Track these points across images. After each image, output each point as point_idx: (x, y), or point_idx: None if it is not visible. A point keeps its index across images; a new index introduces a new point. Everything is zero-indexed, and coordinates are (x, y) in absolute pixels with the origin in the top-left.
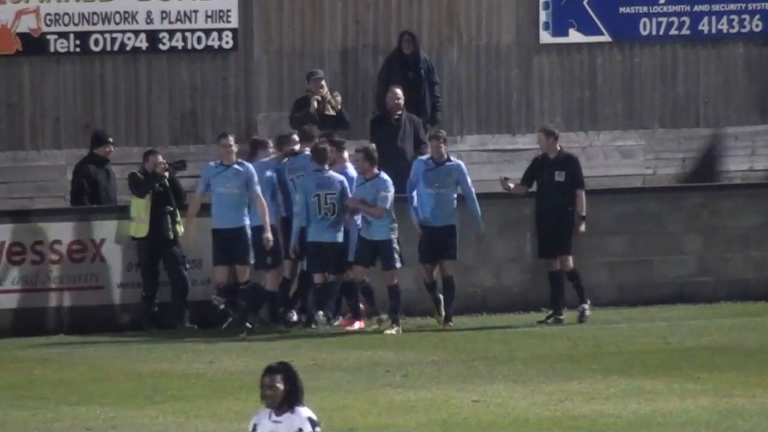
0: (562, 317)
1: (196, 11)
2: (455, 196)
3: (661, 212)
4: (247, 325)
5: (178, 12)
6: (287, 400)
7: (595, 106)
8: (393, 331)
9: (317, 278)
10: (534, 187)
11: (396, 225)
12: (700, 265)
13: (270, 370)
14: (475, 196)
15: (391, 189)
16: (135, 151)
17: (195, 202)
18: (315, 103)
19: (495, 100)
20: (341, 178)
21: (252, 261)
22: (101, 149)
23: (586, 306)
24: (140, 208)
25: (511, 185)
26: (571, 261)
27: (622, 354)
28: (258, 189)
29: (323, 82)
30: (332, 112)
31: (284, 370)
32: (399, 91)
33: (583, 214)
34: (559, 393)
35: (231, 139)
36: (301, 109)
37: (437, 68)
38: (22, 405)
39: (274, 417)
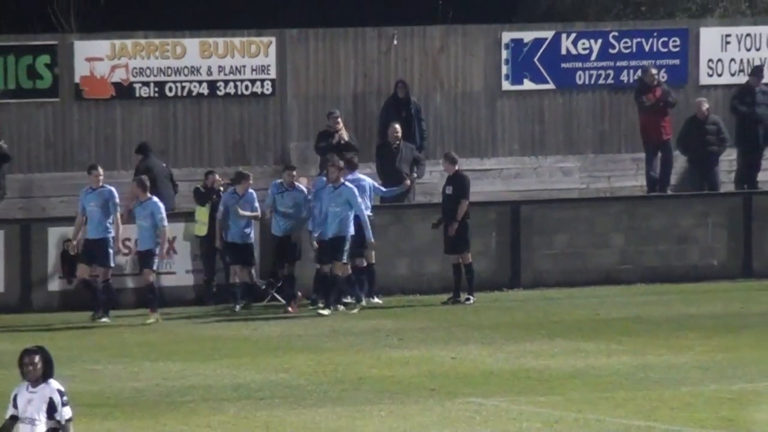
0: (460, 300)
1: (244, 66)
2: (349, 213)
3: (592, 216)
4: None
5: (231, 66)
6: (43, 375)
7: (543, 137)
8: (326, 312)
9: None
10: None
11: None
12: (622, 256)
13: (28, 352)
14: (365, 214)
15: (163, 212)
16: (198, 171)
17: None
18: (337, 137)
19: (468, 133)
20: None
21: (112, 265)
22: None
23: (472, 299)
24: (202, 213)
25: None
26: (468, 257)
27: (563, 322)
28: (118, 209)
29: (339, 119)
30: (345, 142)
31: (40, 351)
32: (398, 126)
33: (458, 218)
34: (516, 352)
35: (100, 170)
36: (324, 140)
37: (424, 108)
38: (115, 361)
39: (30, 389)
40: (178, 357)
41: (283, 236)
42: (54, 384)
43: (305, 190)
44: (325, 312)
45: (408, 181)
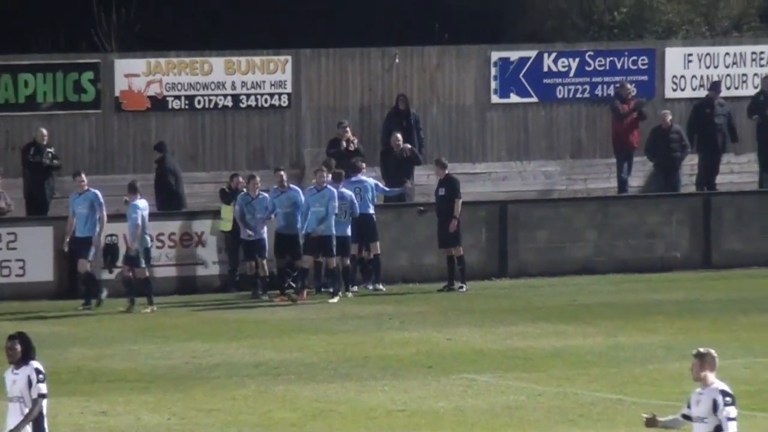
0: (454, 288)
1: (264, 81)
2: (333, 212)
3: (570, 214)
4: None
5: (252, 82)
6: (24, 358)
7: (527, 145)
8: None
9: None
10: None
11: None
12: (597, 249)
13: (11, 337)
14: (333, 216)
15: (137, 213)
16: (224, 174)
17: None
18: (345, 143)
19: (461, 141)
20: (350, 194)
21: (90, 258)
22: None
23: (464, 287)
24: (227, 211)
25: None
26: (460, 250)
27: (545, 308)
28: (103, 209)
29: (348, 128)
30: (353, 148)
31: (20, 336)
32: (399, 135)
33: (455, 215)
34: (504, 334)
35: (83, 176)
36: (334, 147)
37: (422, 119)
38: (150, 341)
39: (14, 371)
40: (206, 338)
41: (283, 233)
42: (34, 364)
43: (299, 189)
44: (334, 300)
45: (408, 183)
